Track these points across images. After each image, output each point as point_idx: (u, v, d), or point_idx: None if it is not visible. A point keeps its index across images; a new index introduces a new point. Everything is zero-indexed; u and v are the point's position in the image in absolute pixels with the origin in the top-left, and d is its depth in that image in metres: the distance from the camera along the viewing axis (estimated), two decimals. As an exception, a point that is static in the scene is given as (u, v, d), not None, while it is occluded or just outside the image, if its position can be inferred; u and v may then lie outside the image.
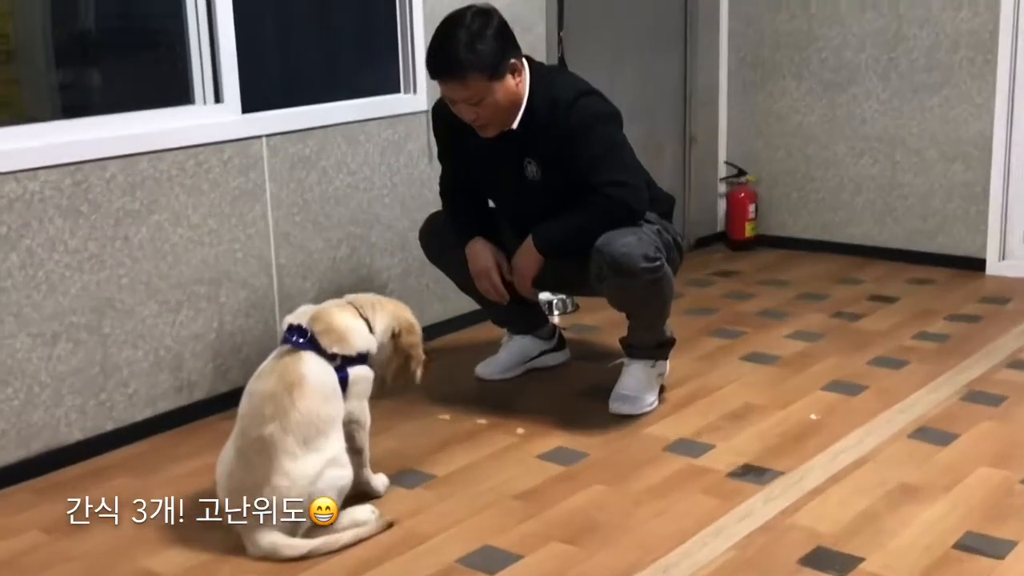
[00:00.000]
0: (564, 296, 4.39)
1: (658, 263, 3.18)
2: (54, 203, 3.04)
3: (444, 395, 3.58)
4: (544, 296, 4.19)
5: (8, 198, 2.94)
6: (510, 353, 3.76)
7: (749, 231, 5.44)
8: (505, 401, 3.54)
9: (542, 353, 3.79)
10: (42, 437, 3.08)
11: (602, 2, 4.83)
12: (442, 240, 3.54)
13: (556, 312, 4.39)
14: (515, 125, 3.21)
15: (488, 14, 3.13)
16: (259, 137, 3.52)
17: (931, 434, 3.20)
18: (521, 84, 3.17)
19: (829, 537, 2.62)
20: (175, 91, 3.45)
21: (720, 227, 5.58)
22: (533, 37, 4.31)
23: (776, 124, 5.39)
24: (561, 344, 3.85)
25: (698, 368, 3.77)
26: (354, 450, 2.77)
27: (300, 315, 2.78)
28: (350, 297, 2.86)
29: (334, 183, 3.77)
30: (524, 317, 3.73)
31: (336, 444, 2.67)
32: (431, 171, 3.98)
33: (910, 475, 2.94)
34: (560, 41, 4.39)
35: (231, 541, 2.63)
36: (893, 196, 5.11)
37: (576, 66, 4.09)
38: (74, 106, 3.43)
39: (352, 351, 2.73)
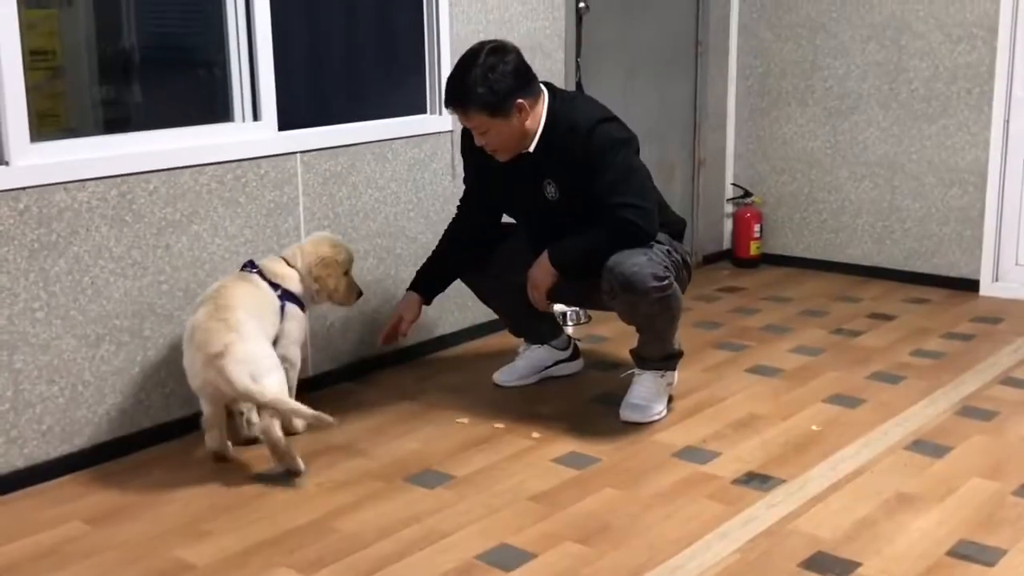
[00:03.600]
0: (577, 308, 4.40)
1: (666, 282, 3.18)
2: (100, 212, 3.07)
3: (463, 400, 3.60)
4: (559, 307, 4.21)
5: (58, 207, 2.97)
6: (527, 361, 3.77)
7: (754, 250, 5.44)
8: (521, 406, 3.55)
9: (557, 363, 3.79)
10: (85, 433, 3.11)
11: (617, 31, 4.85)
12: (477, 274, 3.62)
13: (570, 323, 4.40)
14: (531, 149, 3.24)
15: (502, 52, 3.16)
16: (294, 153, 3.54)
17: (926, 446, 3.20)
18: (531, 119, 3.20)
19: (829, 542, 2.63)
20: (216, 109, 3.48)
21: (726, 245, 5.58)
22: (552, 63, 4.34)
23: (781, 148, 5.40)
24: (575, 355, 3.86)
25: (705, 379, 3.77)
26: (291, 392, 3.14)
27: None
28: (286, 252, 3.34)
29: (363, 198, 3.79)
30: (540, 329, 3.75)
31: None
32: (454, 188, 4.00)
33: (906, 485, 2.95)
34: (578, 67, 4.42)
35: (265, 531, 2.65)
36: (892, 219, 5.11)
37: (592, 91, 4.12)
38: (117, 120, 3.47)
39: (290, 288, 3.22)
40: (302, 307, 3.28)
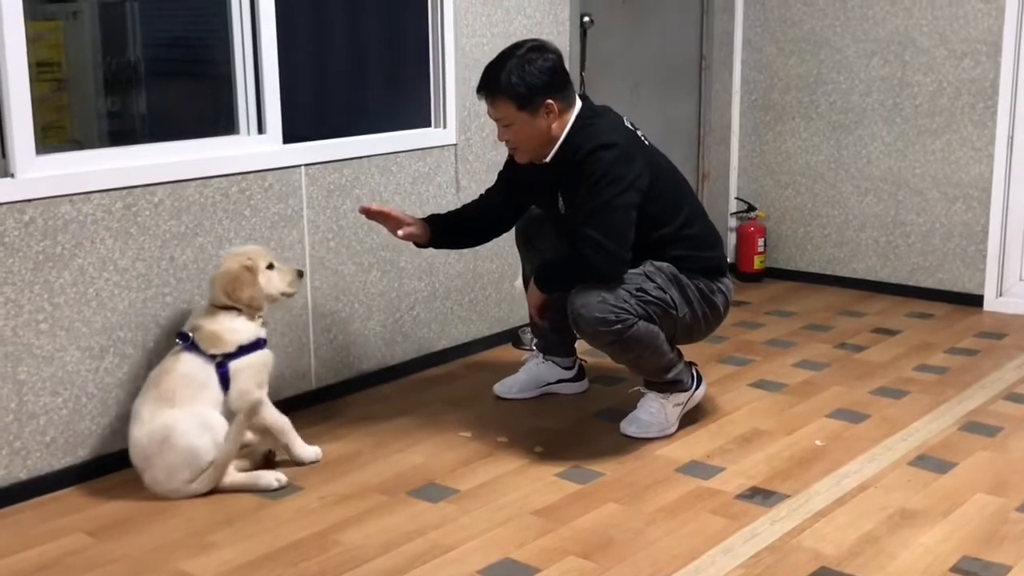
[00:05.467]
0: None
1: (617, 326, 3.11)
2: (105, 225, 3.08)
3: (466, 414, 3.61)
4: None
5: (63, 219, 2.98)
6: (528, 375, 3.78)
7: (758, 264, 5.45)
8: (524, 421, 3.55)
9: (560, 381, 3.78)
10: (88, 444, 3.11)
11: (622, 44, 4.87)
12: (526, 232, 3.60)
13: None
14: (548, 159, 3.26)
15: (543, 50, 3.20)
16: (298, 166, 3.56)
17: (930, 462, 3.20)
18: (557, 124, 3.20)
19: (832, 558, 2.63)
20: (221, 121, 3.50)
21: (730, 259, 5.57)
22: (557, 77, 4.34)
23: (785, 163, 5.42)
24: (580, 375, 3.83)
25: (709, 393, 3.75)
26: (273, 428, 3.11)
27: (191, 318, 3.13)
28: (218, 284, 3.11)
29: (367, 211, 3.80)
30: (553, 338, 3.70)
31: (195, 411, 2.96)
32: (458, 201, 4.01)
33: (910, 500, 2.95)
34: (582, 81, 4.43)
35: (268, 543, 2.65)
36: (896, 233, 5.12)
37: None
38: (122, 132, 3.48)
39: (231, 348, 3.03)
40: (258, 346, 3.10)
